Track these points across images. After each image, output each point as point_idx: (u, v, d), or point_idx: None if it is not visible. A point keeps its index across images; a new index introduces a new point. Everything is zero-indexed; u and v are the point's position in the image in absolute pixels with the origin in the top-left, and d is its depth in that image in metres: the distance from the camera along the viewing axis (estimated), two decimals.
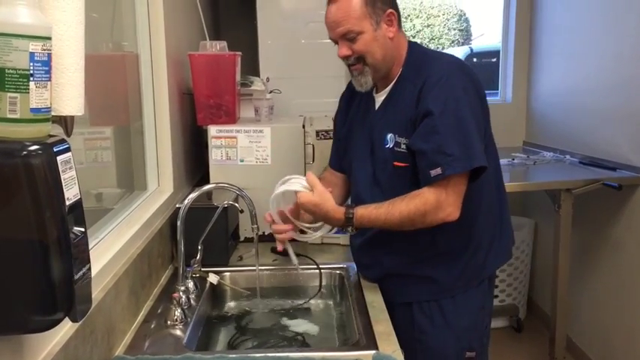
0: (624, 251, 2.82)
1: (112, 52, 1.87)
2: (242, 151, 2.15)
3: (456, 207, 1.56)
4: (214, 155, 2.16)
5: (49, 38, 0.86)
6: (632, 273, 2.76)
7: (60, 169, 0.86)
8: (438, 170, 1.53)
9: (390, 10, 1.62)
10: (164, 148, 2.03)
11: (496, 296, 3.38)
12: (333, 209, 1.61)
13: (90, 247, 1.36)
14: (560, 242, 2.75)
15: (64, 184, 0.86)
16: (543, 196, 3.37)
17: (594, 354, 3.11)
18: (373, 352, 1.37)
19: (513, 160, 3.21)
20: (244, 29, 3.10)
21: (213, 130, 2.15)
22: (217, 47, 2.19)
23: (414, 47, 1.71)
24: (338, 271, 1.91)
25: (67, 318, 0.90)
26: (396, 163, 1.65)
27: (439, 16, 15.58)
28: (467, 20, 15.89)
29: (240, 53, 2.27)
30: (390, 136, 1.66)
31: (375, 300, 1.67)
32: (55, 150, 0.85)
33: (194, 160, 2.48)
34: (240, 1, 3.26)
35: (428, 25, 13.28)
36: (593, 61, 3.08)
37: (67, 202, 0.87)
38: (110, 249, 1.46)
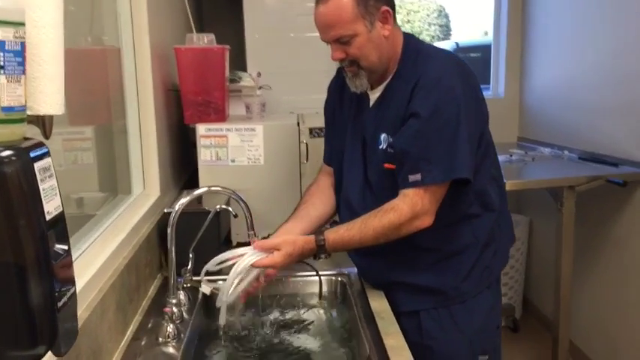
0: (627, 249, 2.74)
1: (92, 47, 1.74)
2: (233, 150, 2.03)
3: (430, 214, 1.48)
4: (203, 155, 2.03)
5: (23, 24, 0.73)
6: (636, 272, 2.69)
7: (38, 178, 0.73)
8: (418, 177, 1.46)
9: (385, 8, 1.49)
10: (149, 148, 1.90)
11: None
12: (304, 244, 1.51)
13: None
14: (562, 242, 2.66)
15: (43, 196, 0.73)
16: (539, 193, 3.29)
17: (596, 355, 3.04)
18: None
19: (511, 156, 3.12)
20: (230, 23, 2.97)
21: (201, 128, 2.02)
22: (205, 40, 2.06)
23: (410, 42, 1.59)
24: (339, 278, 1.80)
25: (49, 352, 0.77)
26: (386, 165, 1.55)
27: (419, 11, 15.57)
28: (447, 16, 15.91)
29: (228, 47, 2.14)
30: (383, 136, 1.56)
31: (383, 310, 1.56)
32: (31, 155, 0.72)
33: (181, 161, 2.35)
34: None
35: (408, 21, 13.23)
36: (592, 55, 3.00)
37: (48, 217, 0.74)
38: (94, 261, 1.33)
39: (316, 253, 1.52)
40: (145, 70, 1.87)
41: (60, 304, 0.75)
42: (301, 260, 1.56)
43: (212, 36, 2.09)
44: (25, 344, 0.73)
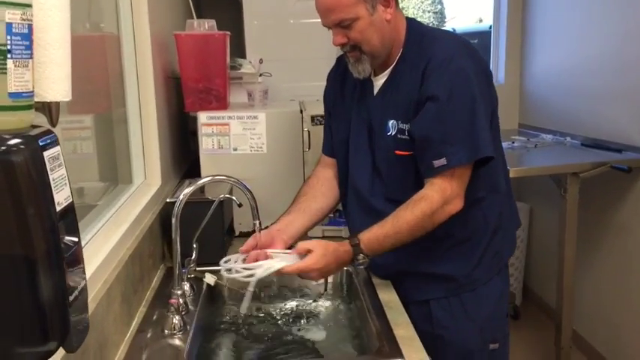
0: (631, 236, 2.73)
1: (90, 33, 1.70)
2: (235, 139, 1.99)
3: (460, 197, 1.46)
4: (205, 144, 2.00)
5: (30, 6, 0.70)
6: None
7: (48, 167, 0.69)
8: (443, 161, 1.42)
9: None
10: (150, 137, 1.86)
11: None
12: (337, 250, 1.45)
13: None
14: (565, 229, 2.64)
15: (53, 186, 0.70)
16: (540, 180, 3.27)
17: (599, 343, 3.04)
18: None
19: (513, 143, 3.10)
20: (228, 9, 2.92)
21: (203, 116, 1.99)
22: (206, 26, 2.01)
23: (413, 26, 1.56)
24: (345, 268, 1.77)
25: (61, 348, 0.74)
26: (398, 152, 1.52)
27: None
28: (441, 3, 15.83)
29: (229, 33, 2.10)
30: (392, 122, 1.53)
31: (391, 300, 1.53)
32: (40, 144, 0.69)
33: (181, 149, 2.31)
34: None
35: (402, 8, 13.16)
36: (595, 40, 2.97)
37: (58, 207, 0.70)
38: (99, 252, 1.30)
39: (353, 256, 1.46)
40: (144, 57, 1.83)
41: (71, 298, 0.73)
42: (340, 266, 1.48)
43: (213, 22, 2.04)
44: (35, 340, 0.70)
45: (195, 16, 2.17)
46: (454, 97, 1.42)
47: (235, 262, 1.47)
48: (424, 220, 1.44)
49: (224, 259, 1.49)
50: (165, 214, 1.77)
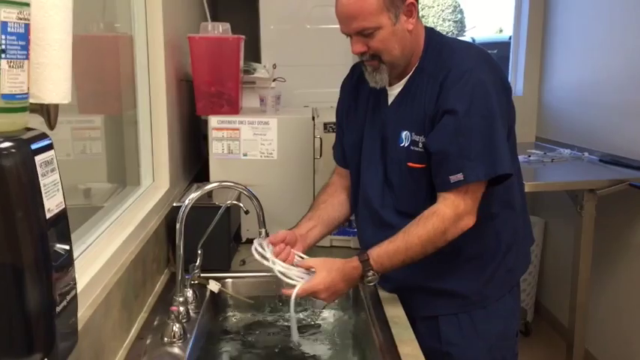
0: None
1: (104, 33, 1.68)
2: (245, 144, 1.97)
3: (473, 214, 1.42)
4: (215, 148, 1.97)
5: (28, 5, 0.68)
6: None
7: (39, 172, 0.67)
8: (460, 176, 1.39)
9: (411, 0, 1.42)
10: (160, 139, 1.85)
11: None
12: (344, 267, 1.43)
13: (77, 254, 1.20)
14: (581, 247, 2.59)
15: (43, 192, 0.67)
16: (556, 195, 3.21)
17: None
18: None
19: (529, 157, 3.05)
20: (245, 13, 2.90)
21: (213, 120, 1.97)
22: (220, 29, 1.99)
23: (432, 35, 1.53)
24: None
25: None
26: (410, 164, 1.49)
27: (433, 7, 15.44)
28: (461, 12, 15.77)
29: (244, 37, 2.08)
30: (405, 133, 1.49)
31: (396, 315, 1.50)
32: (32, 148, 0.67)
33: (191, 153, 2.29)
34: None
35: (422, 16, 13.11)
36: (616, 55, 2.91)
37: (48, 214, 0.68)
38: (100, 256, 1.28)
39: (362, 272, 1.43)
40: (157, 58, 1.81)
41: (59, 308, 0.70)
42: (349, 284, 1.45)
43: (227, 25, 2.02)
44: (20, 351, 0.67)
45: (209, 19, 2.15)
46: (473, 112, 1.38)
47: (265, 248, 1.46)
48: (436, 236, 1.40)
49: (258, 241, 1.48)
50: (171, 217, 1.75)
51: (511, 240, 1.58)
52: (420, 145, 1.46)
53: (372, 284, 1.47)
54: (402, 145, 1.50)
